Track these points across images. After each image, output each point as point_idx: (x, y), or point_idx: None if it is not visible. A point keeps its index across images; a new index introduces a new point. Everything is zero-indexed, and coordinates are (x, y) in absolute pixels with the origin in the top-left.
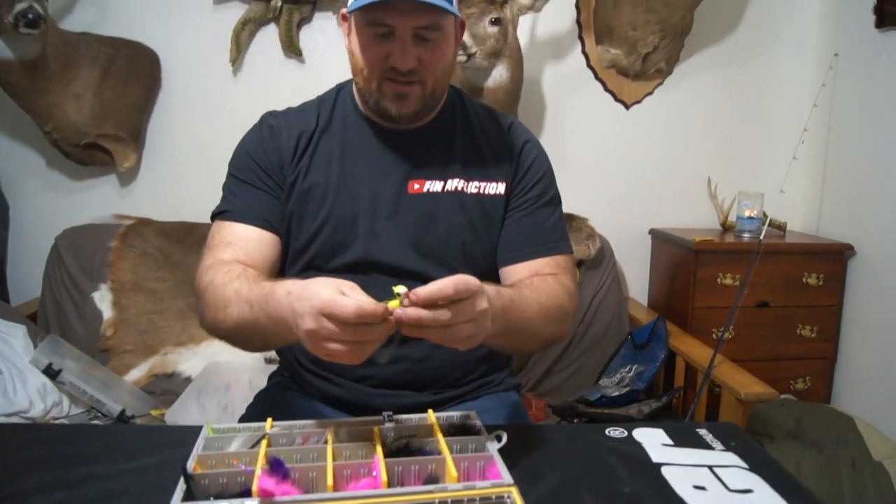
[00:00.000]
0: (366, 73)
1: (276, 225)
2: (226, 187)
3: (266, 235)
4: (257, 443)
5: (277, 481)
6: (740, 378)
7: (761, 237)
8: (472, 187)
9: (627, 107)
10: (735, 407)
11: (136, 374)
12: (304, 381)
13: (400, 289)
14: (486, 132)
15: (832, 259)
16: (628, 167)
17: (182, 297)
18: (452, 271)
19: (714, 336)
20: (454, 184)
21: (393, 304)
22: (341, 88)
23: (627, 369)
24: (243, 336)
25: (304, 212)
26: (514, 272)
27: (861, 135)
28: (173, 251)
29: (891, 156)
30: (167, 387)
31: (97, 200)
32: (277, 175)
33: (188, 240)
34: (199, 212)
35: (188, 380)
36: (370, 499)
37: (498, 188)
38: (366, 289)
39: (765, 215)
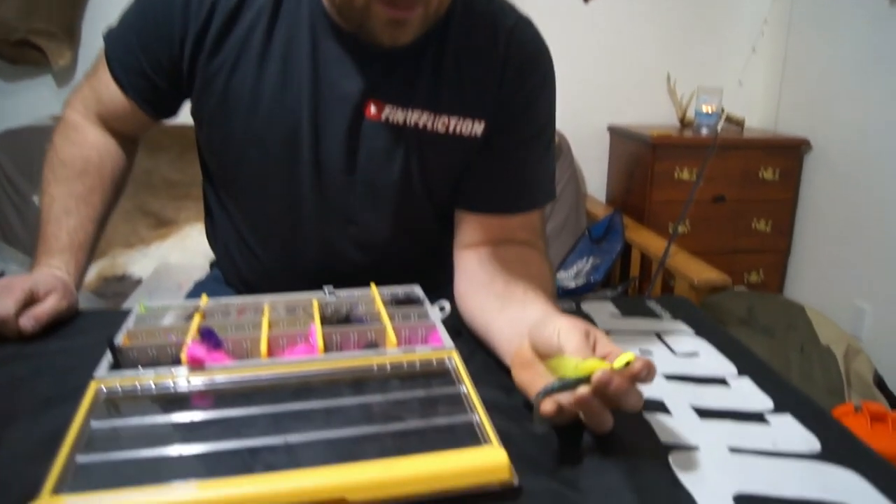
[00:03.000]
0: None
1: (151, 107)
2: (126, 18)
3: (138, 114)
4: (190, 316)
5: (209, 349)
6: (694, 266)
7: (718, 130)
8: (440, 124)
9: (586, 1)
10: (688, 294)
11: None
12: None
13: (628, 356)
14: (478, 48)
15: (789, 154)
16: (587, 64)
17: (128, 197)
18: (390, 215)
19: (670, 230)
20: (417, 116)
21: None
22: None
23: (584, 262)
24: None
25: (226, 120)
26: (476, 223)
27: (821, 28)
28: None
29: (850, 50)
30: (117, 289)
31: (34, 102)
32: (171, 49)
33: None
34: None
35: (139, 282)
36: (305, 364)
37: (474, 128)
38: (294, 231)
39: (723, 110)
